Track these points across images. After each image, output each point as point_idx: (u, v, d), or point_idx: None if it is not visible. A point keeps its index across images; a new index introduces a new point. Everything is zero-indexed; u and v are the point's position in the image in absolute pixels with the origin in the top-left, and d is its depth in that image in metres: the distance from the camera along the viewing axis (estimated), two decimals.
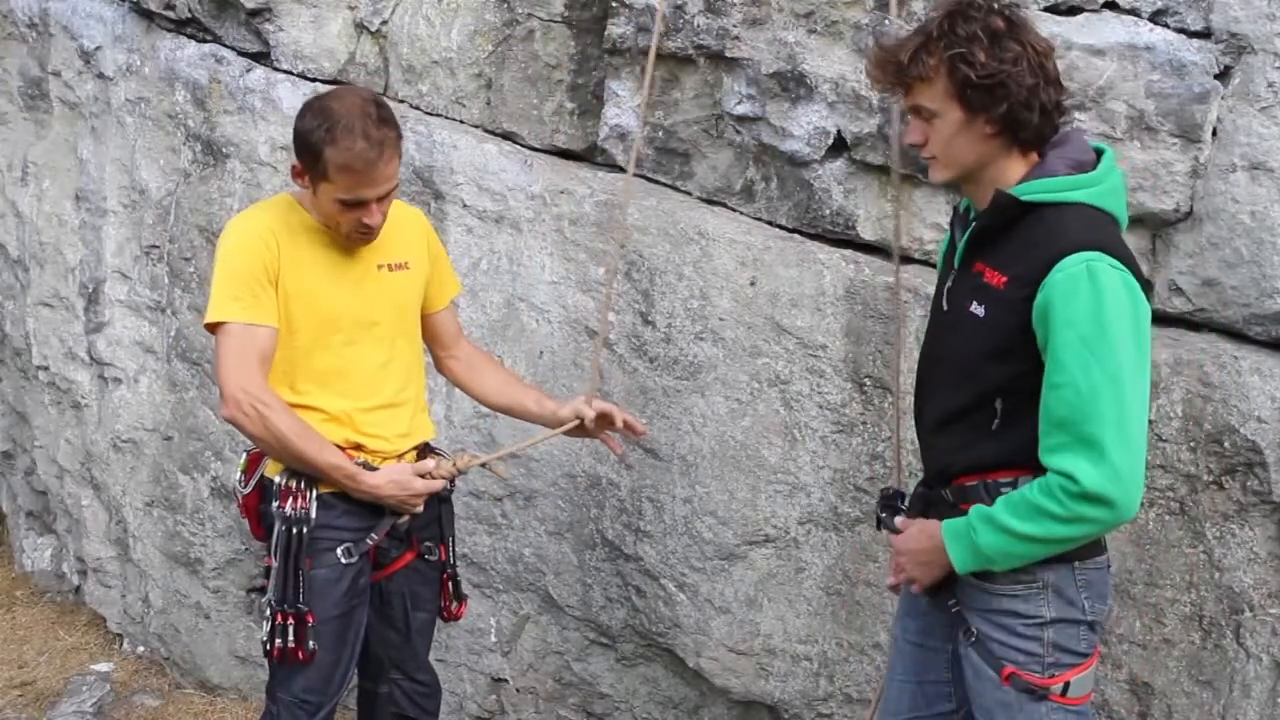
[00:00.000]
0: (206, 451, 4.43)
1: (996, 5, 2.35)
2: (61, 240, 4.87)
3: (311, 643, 2.95)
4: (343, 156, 2.78)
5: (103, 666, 4.88)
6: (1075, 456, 2.23)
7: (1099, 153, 2.42)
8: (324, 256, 2.97)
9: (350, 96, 2.89)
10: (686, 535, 3.51)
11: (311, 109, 2.88)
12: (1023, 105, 2.30)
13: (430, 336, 3.28)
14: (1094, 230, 2.31)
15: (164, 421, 4.55)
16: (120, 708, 4.59)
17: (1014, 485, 2.40)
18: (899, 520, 2.60)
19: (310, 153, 2.83)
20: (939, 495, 2.53)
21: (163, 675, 4.84)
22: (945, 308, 2.50)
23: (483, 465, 3.26)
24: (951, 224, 2.61)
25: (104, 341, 4.72)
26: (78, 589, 5.33)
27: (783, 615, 3.43)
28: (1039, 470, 2.36)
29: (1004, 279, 2.34)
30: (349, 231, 2.92)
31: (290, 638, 2.94)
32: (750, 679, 3.50)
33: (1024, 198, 2.33)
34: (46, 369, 5.05)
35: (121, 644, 5.05)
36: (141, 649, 4.96)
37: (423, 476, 3.03)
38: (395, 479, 2.99)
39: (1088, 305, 2.21)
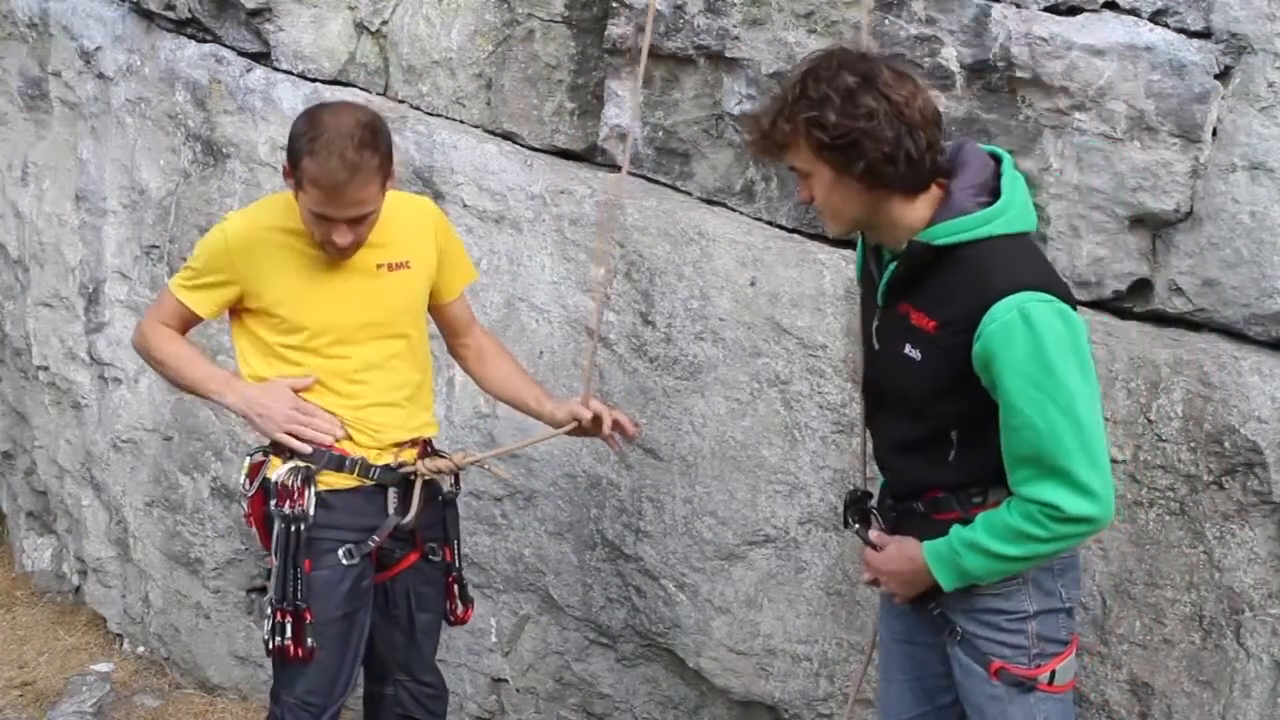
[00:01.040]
0: (207, 451, 4.43)
1: (851, 60, 2.32)
2: (61, 240, 4.87)
3: (310, 640, 2.95)
4: (316, 170, 2.77)
5: (103, 666, 4.88)
6: (1051, 487, 2.26)
7: (996, 159, 2.41)
8: (316, 259, 2.97)
9: (346, 114, 2.87)
10: (686, 535, 3.51)
11: (307, 116, 2.88)
12: (883, 159, 2.27)
13: (442, 325, 3.29)
14: (1015, 265, 2.30)
15: (164, 422, 4.55)
16: (120, 708, 4.59)
17: (983, 493, 2.43)
18: (874, 534, 2.60)
19: (293, 157, 2.84)
20: (910, 508, 2.54)
21: (163, 675, 4.84)
22: (877, 346, 2.50)
23: (479, 465, 3.26)
24: (865, 256, 2.60)
25: (104, 341, 4.72)
26: (78, 589, 5.33)
27: (783, 615, 3.43)
28: (1005, 479, 2.38)
29: (933, 323, 2.34)
30: (320, 243, 2.92)
31: (288, 635, 2.94)
32: (750, 679, 3.50)
33: (937, 243, 2.31)
34: (47, 369, 5.06)
35: (121, 644, 5.05)
36: (141, 649, 4.96)
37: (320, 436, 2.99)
38: (257, 399, 2.99)
39: (1028, 349, 2.22)
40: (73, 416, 5.01)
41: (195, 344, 3.19)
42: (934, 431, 2.42)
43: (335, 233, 2.86)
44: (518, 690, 3.98)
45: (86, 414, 4.91)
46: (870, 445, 2.74)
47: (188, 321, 3.11)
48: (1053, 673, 2.47)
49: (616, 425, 3.13)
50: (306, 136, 2.80)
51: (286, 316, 2.97)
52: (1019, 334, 2.22)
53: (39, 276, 5.00)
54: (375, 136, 2.83)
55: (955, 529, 2.40)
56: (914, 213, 2.35)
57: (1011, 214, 2.34)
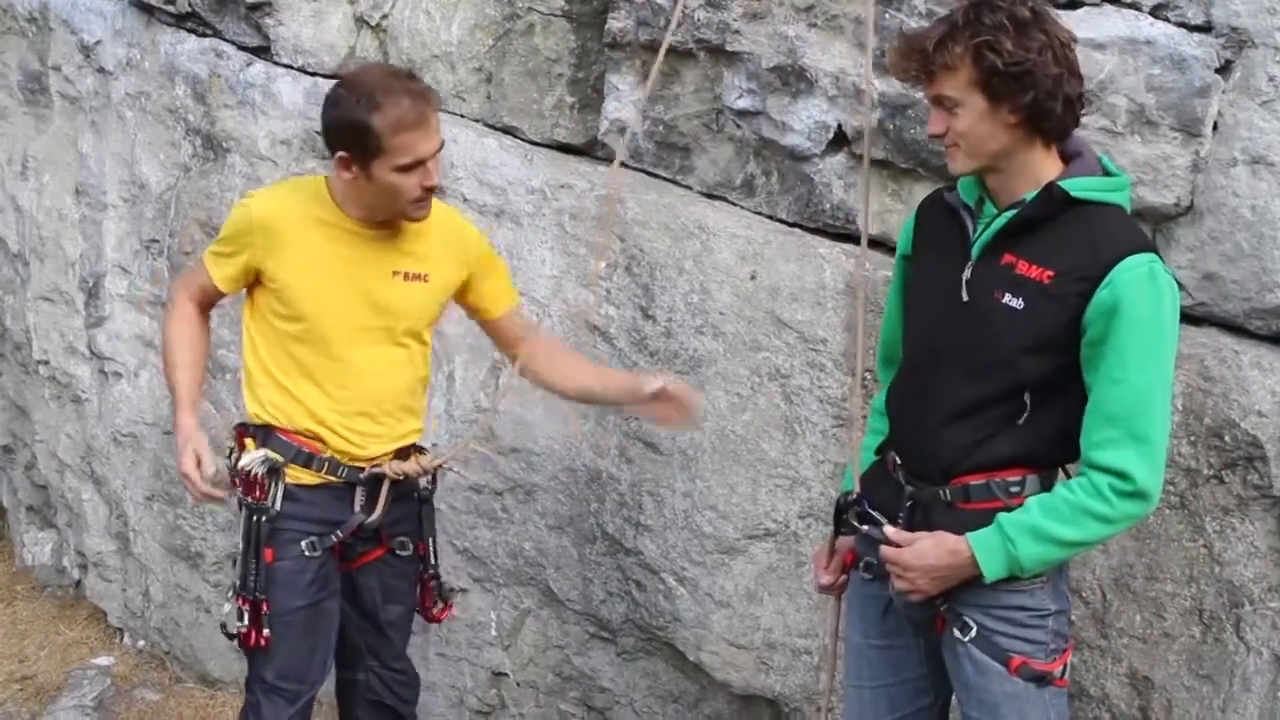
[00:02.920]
0: None
1: None
2: (62, 235, 4.87)
3: (267, 630, 2.98)
4: (393, 116, 2.73)
5: (103, 660, 4.89)
6: (1127, 452, 2.28)
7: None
8: (333, 253, 2.94)
9: (371, 67, 2.91)
10: (687, 529, 3.51)
11: (339, 92, 2.83)
12: (1048, 94, 2.30)
13: (497, 340, 3.29)
14: (1142, 233, 2.39)
15: (164, 416, 4.55)
16: (121, 702, 4.60)
17: (1021, 485, 2.42)
18: (892, 531, 2.52)
19: (356, 131, 2.77)
20: (934, 494, 2.50)
21: (163, 669, 4.85)
22: (966, 298, 2.46)
23: (445, 467, 3.24)
24: (928, 216, 2.62)
25: (104, 336, 4.72)
26: (78, 583, 5.33)
27: (783, 609, 3.43)
28: (1047, 469, 2.41)
29: (1049, 273, 2.34)
30: (414, 200, 2.86)
31: (245, 622, 2.98)
32: (750, 673, 3.50)
33: (1075, 194, 2.34)
34: (47, 363, 5.06)
35: (122, 638, 5.06)
36: (142, 643, 4.97)
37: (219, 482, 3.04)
38: (183, 450, 3.00)
39: (1152, 307, 2.27)
40: (73, 410, 5.01)
41: (199, 341, 3.16)
42: (1009, 390, 2.40)
43: (425, 177, 2.83)
44: (518, 684, 3.99)
45: (87, 408, 4.91)
46: (893, 428, 2.68)
47: (208, 293, 3.08)
48: (1064, 666, 2.50)
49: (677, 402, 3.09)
50: (362, 100, 2.75)
51: (292, 300, 2.95)
52: (1148, 289, 2.27)
53: (39, 271, 5.00)
54: (407, 69, 2.87)
55: (1003, 516, 2.38)
56: (1047, 163, 2.40)
57: (1128, 192, 2.44)
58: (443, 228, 3.07)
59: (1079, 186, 2.35)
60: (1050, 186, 2.35)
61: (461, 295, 3.18)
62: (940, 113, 2.40)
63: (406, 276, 3.01)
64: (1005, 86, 2.30)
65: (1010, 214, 2.40)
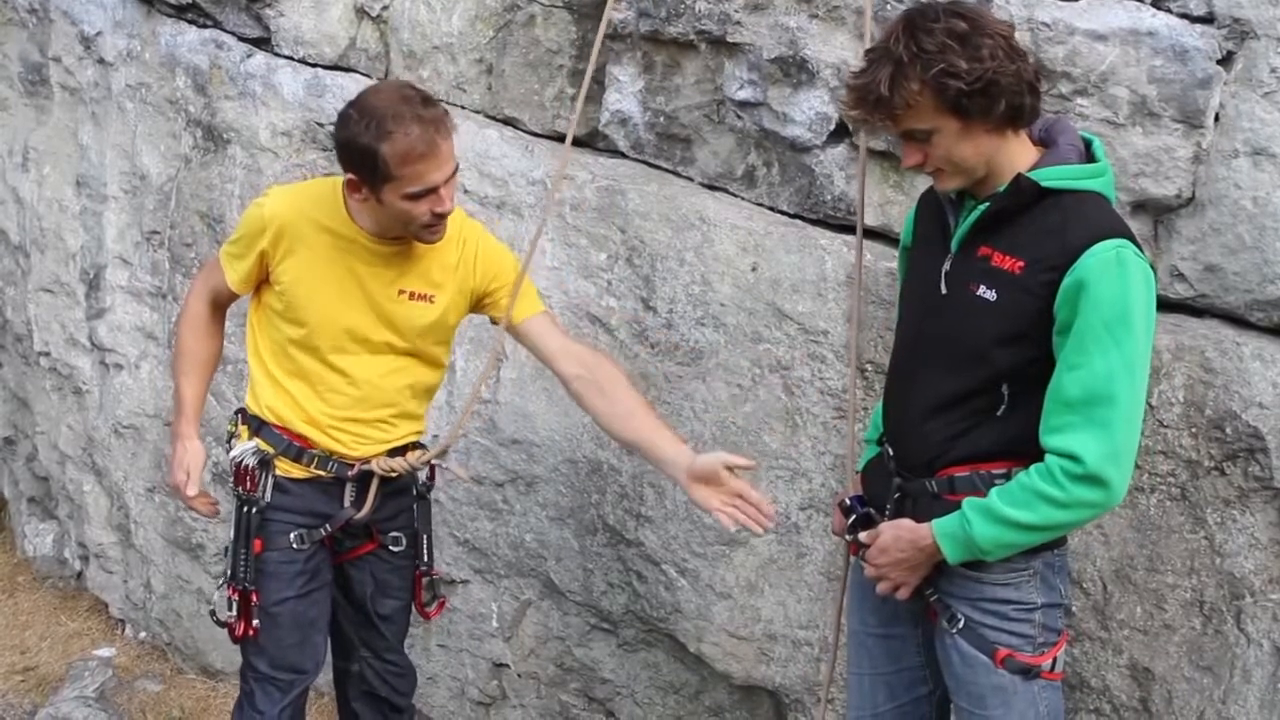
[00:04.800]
0: (207, 438, 4.41)
1: (946, 8, 2.31)
2: (62, 226, 4.87)
3: (255, 620, 3.00)
4: (402, 146, 2.66)
5: (105, 652, 4.90)
6: (1081, 435, 2.25)
7: (1086, 142, 2.45)
8: (341, 263, 2.91)
9: (385, 89, 2.81)
10: (688, 521, 3.51)
11: (351, 114, 2.75)
12: (1015, 93, 2.29)
13: (532, 351, 3.13)
14: (1115, 219, 2.34)
15: (165, 407, 4.55)
16: (122, 693, 4.61)
17: (1006, 477, 2.41)
18: (864, 536, 2.57)
19: (365, 157, 2.70)
20: (921, 486, 2.51)
21: (164, 660, 4.86)
22: (944, 291, 2.47)
23: (433, 463, 3.23)
24: (924, 208, 2.61)
25: (105, 327, 4.72)
26: (79, 574, 5.34)
27: (784, 601, 3.43)
28: (1031, 461, 2.38)
29: (1020, 263, 2.33)
30: (426, 225, 2.81)
31: (234, 612, 3.01)
32: (751, 664, 3.51)
33: (1045, 183, 2.32)
34: (48, 355, 5.06)
35: (123, 629, 5.07)
36: (143, 634, 4.98)
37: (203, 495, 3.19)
38: (175, 461, 3.13)
39: (1116, 291, 2.23)
40: (74, 402, 5.01)
41: (208, 349, 3.15)
42: (987, 383, 2.40)
43: (437, 204, 2.76)
44: (519, 675, 3.99)
45: (88, 399, 4.91)
46: (885, 418, 2.70)
47: (220, 294, 3.06)
48: (1054, 659, 2.50)
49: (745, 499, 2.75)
50: (371, 126, 2.67)
51: (295, 305, 2.93)
52: (1113, 273, 2.23)
53: (40, 262, 5.00)
54: (426, 94, 2.78)
55: (969, 499, 2.39)
56: (1022, 157, 2.38)
57: (1108, 178, 2.40)
58: (459, 246, 3.02)
59: (1048, 176, 2.33)
60: (1019, 178, 2.34)
61: (481, 309, 3.13)
62: (913, 145, 2.38)
63: (412, 296, 2.97)
64: (975, 103, 2.27)
65: (984, 206, 2.39)
